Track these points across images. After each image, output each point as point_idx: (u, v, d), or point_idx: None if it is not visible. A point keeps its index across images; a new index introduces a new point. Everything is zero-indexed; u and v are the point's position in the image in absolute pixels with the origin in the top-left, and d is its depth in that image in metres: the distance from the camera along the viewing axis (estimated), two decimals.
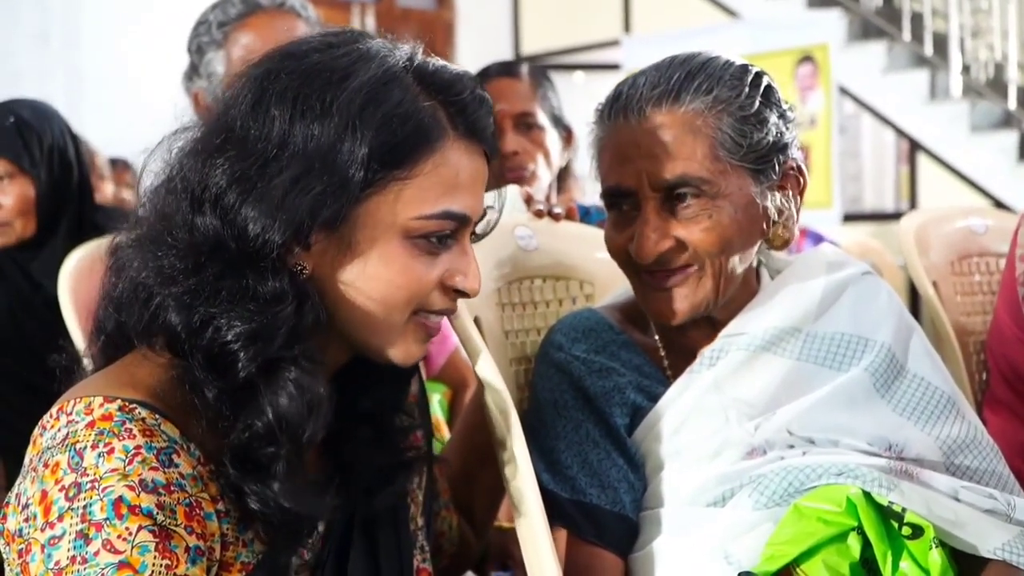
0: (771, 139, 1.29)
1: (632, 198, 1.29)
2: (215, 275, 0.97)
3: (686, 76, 1.27)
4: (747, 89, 1.28)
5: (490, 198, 1.29)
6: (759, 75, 1.31)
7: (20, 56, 5.53)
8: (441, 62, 1.07)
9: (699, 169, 1.25)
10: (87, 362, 1.09)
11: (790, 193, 1.32)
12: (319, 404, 1.00)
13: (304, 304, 0.99)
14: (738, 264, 1.30)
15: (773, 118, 1.29)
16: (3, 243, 2.33)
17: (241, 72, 1.05)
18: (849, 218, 6.21)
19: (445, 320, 1.31)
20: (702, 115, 1.26)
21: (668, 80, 1.27)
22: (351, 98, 0.99)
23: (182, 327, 0.97)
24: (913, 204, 6.21)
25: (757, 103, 1.28)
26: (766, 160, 1.28)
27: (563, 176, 2.33)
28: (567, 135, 2.27)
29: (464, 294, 1.08)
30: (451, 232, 1.05)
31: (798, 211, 1.34)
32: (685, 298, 1.29)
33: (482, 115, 1.06)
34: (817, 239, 3.57)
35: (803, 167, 1.34)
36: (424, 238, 1.03)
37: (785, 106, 1.33)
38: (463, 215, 1.05)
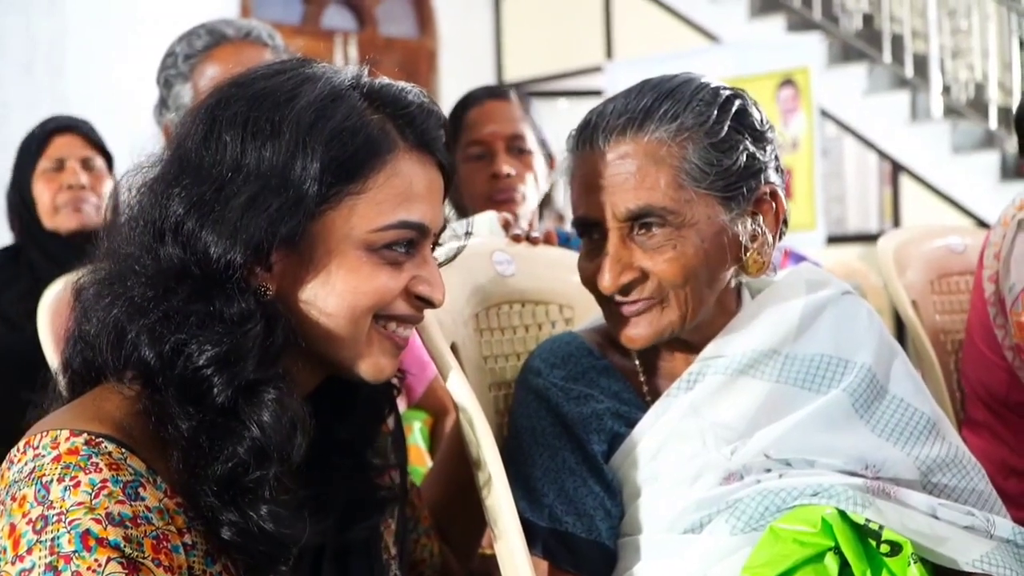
0: (741, 164, 1.26)
1: (599, 228, 1.28)
2: (182, 301, 0.98)
3: (653, 103, 1.26)
4: (715, 114, 1.26)
5: (462, 226, 1.30)
6: (730, 99, 1.28)
7: (7, 87, 5.56)
8: (387, 79, 1.09)
9: (662, 199, 1.24)
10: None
11: (764, 219, 1.30)
12: (301, 421, 1.01)
13: (273, 324, 1.01)
14: (707, 291, 1.28)
15: (745, 143, 1.27)
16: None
17: (193, 107, 1.07)
18: (833, 240, 6.23)
19: (423, 347, 1.32)
20: (666, 144, 1.24)
21: (635, 108, 1.26)
22: (299, 116, 1.01)
23: (155, 359, 0.98)
24: (896, 225, 6.23)
25: (726, 128, 1.26)
26: (736, 186, 1.26)
27: (543, 203, 2.33)
28: (550, 160, 2.27)
29: (429, 303, 1.09)
30: (410, 241, 1.07)
31: (776, 236, 1.32)
32: (649, 325, 1.28)
33: (431, 126, 1.09)
34: (799, 260, 3.56)
35: (779, 192, 1.31)
36: (388, 248, 1.05)
37: (764, 127, 1.30)
38: (420, 224, 1.07)
